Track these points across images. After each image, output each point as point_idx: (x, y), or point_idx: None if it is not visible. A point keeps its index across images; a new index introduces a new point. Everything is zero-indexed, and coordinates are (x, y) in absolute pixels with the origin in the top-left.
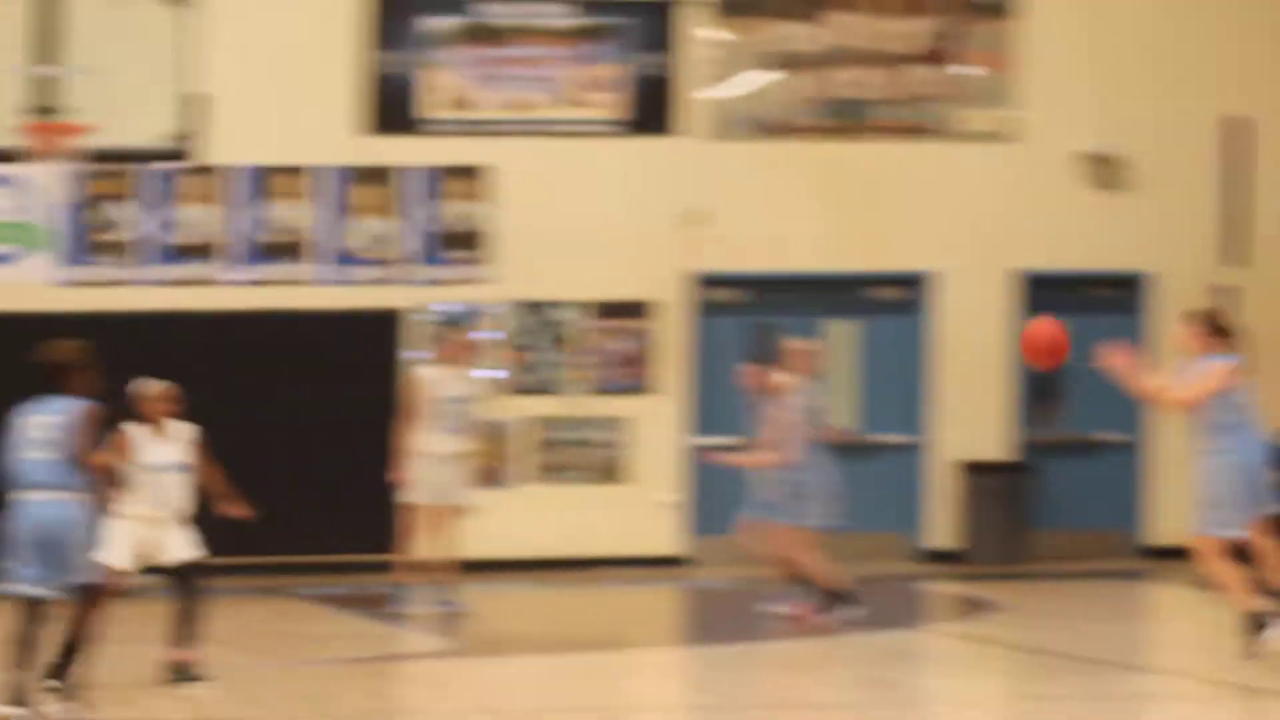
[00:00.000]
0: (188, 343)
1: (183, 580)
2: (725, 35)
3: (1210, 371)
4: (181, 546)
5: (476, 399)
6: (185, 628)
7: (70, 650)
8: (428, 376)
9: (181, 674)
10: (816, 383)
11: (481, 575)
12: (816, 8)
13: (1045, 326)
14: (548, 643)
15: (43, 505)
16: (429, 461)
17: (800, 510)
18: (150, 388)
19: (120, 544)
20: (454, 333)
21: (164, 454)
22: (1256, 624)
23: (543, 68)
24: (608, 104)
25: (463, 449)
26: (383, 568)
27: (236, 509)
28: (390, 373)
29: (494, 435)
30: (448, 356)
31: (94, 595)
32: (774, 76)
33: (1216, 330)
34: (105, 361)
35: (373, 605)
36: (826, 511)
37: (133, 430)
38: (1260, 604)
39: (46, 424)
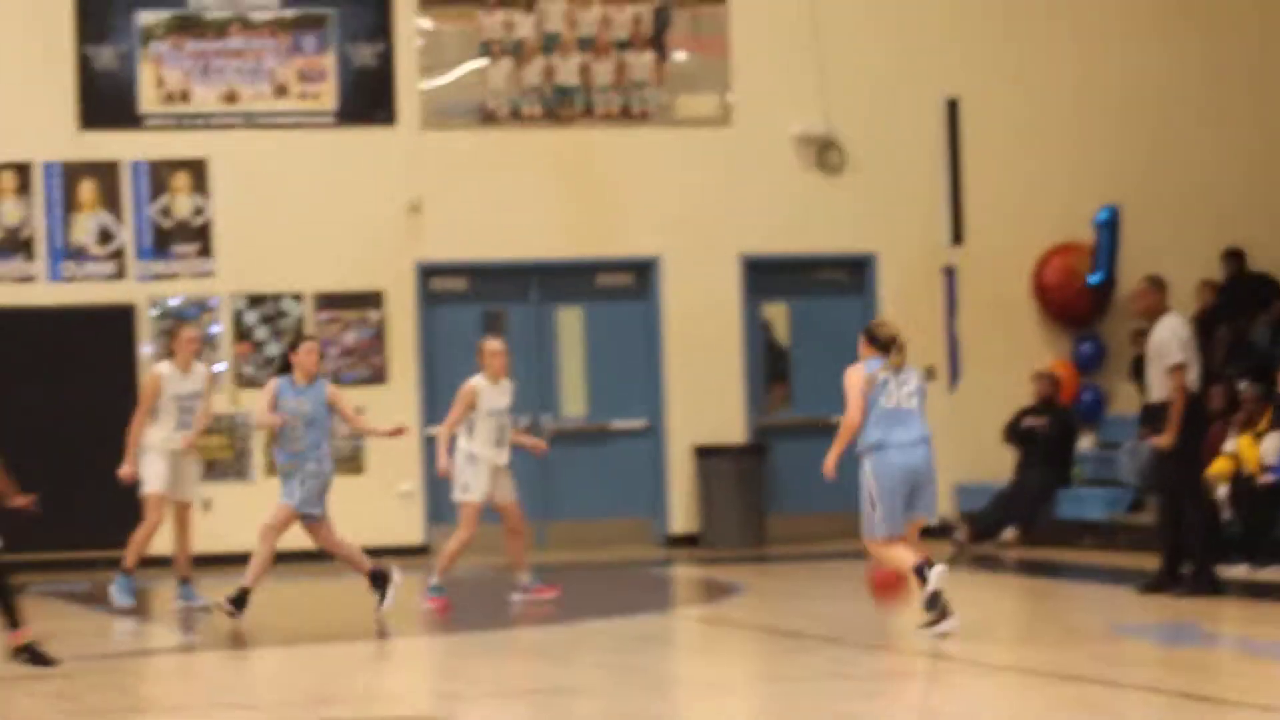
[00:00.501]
0: None
1: None
2: (439, 24)
3: (851, 382)
4: None
5: (206, 394)
6: (12, 610)
7: None
8: (161, 373)
9: (34, 656)
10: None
11: (225, 568)
12: None
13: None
14: (294, 634)
15: None
16: (162, 456)
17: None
18: None
19: None
20: (183, 328)
21: None
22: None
23: (258, 59)
24: (324, 95)
25: (192, 444)
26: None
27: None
28: (127, 367)
29: (229, 428)
30: (178, 351)
31: None
32: (491, 64)
33: (871, 341)
34: None
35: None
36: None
37: None
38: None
39: None
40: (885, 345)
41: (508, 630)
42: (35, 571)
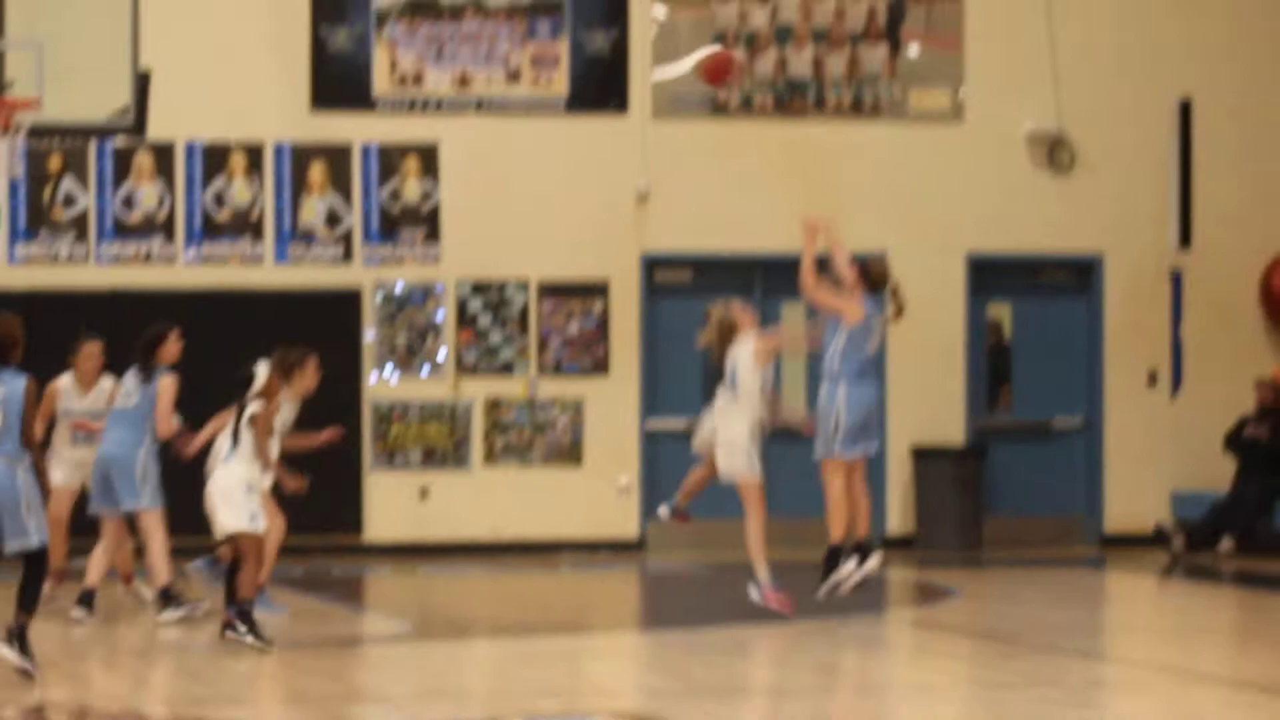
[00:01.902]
0: (141, 321)
1: None
2: (673, 12)
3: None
4: None
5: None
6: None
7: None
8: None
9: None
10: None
11: (440, 558)
12: None
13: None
14: (506, 626)
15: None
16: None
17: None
18: None
19: None
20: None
21: None
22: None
23: (491, 44)
24: (555, 81)
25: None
26: (341, 550)
27: None
28: (351, 351)
29: (448, 416)
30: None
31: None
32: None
33: (864, 277)
34: (55, 339)
35: (331, 588)
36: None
37: None
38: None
39: None
40: (879, 284)
41: (717, 628)
42: None
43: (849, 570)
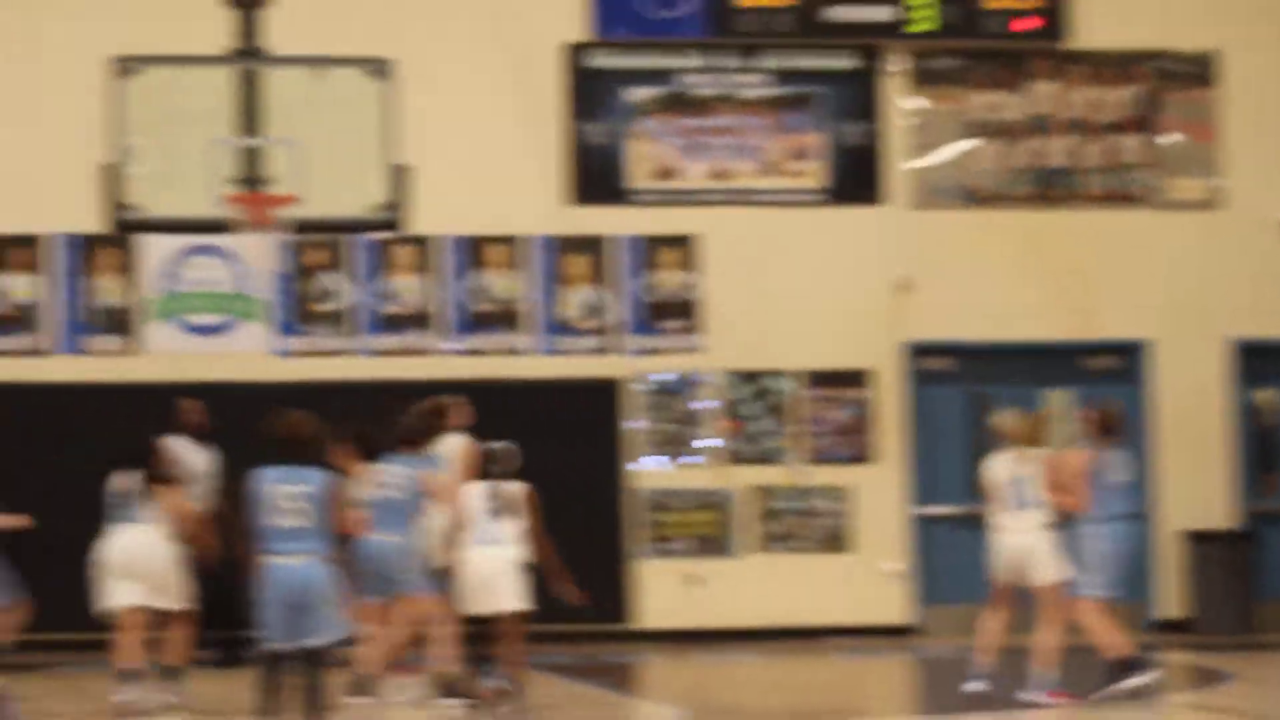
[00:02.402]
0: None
1: None
2: (927, 104)
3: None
4: None
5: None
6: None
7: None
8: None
9: None
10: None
11: (708, 644)
12: (1019, 77)
13: None
14: (782, 712)
15: (293, 569)
16: None
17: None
18: None
19: None
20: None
21: None
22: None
23: (746, 137)
24: (812, 173)
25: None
26: (609, 637)
27: None
28: (609, 442)
29: (717, 504)
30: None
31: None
32: (978, 145)
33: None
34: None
35: (602, 675)
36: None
37: None
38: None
39: (295, 494)
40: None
41: (991, 713)
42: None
43: (1135, 682)
